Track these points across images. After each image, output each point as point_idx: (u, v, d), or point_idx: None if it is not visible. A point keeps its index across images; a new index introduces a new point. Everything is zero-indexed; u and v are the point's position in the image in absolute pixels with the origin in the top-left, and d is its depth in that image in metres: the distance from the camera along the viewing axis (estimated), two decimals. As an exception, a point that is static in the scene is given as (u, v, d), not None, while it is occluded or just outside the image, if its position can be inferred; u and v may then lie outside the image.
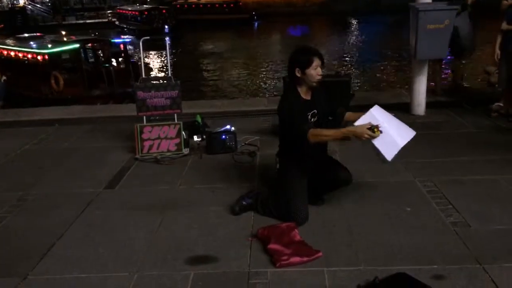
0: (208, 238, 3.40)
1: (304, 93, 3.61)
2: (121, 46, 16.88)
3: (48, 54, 15.37)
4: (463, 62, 7.14)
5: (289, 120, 3.53)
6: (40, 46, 16.26)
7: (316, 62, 3.50)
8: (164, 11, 35.85)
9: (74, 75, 15.19)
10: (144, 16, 35.41)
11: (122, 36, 24.39)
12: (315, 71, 3.50)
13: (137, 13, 36.15)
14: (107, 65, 15.60)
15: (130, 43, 17.39)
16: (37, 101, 13.33)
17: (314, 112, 3.61)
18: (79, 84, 14.79)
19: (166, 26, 34.33)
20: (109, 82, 14.72)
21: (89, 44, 16.52)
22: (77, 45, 15.85)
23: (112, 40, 17.74)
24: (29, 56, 15.98)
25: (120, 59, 16.19)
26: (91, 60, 16.39)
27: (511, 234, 3.22)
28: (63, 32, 21.05)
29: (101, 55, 16.38)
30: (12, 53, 16.68)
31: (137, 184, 4.49)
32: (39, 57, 15.54)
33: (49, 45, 16.11)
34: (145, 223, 3.68)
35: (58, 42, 16.64)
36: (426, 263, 2.94)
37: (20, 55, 16.41)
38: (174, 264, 3.10)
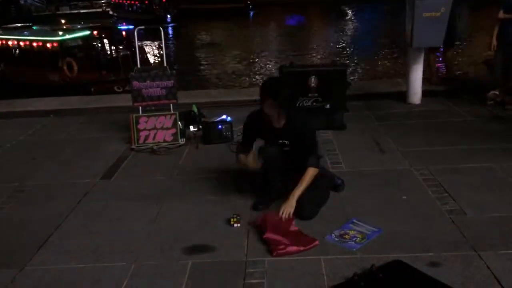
0: (205, 227, 3.41)
1: (275, 120, 3.53)
2: (123, 33, 17.42)
3: (59, 41, 15.72)
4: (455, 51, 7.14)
5: (242, 132, 3.85)
6: (51, 34, 16.66)
7: (266, 104, 3.43)
8: (164, 0, 35.68)
9: (87, 61, 15.68)
10: (145, 5, 35.22)
11: (124, 23, 24.65)
12: (268, 111, 3.45)
13: (137, 2, 35.92)
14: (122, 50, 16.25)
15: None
16: (49, 88, 13.70)
17: (285, 142, 3.55)
18: (93, 69, 15.38)
19: (168, 16, 34.24)
20: (119, 68, 15.01)
21: (97, 32, 17.28)
22: (87, 32, 16.38)
23: (119, 27, 18.36)
24: (39, 44, 16.26)
25: (120, 46, 16.79)
26: (100, 46, 17.18)
27: (507, 222, 3.24)
28: (63, 21, 21.39)
29: (107, 42, 17.17)
30: (20, 43, 17.01)
31: (134, 174, 4.49)
32: (48, 45, 15.83)
33: (60, 33, 16.48)
34: (142, 213, 3.68)
35: (68, 30, 17.18)
36: (422, 250, 2.96)
37: (28, 44, 16.63)
38: (172, 254, 3.11)
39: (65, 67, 15.04)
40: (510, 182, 3.84)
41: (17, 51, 16.86)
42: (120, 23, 23.52)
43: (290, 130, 3.53)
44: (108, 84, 14.02)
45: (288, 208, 3.37)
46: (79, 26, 18.10)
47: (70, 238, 3.40)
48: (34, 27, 19.26)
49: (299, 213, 3.39)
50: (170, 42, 28.21)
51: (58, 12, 41.18)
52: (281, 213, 3.34)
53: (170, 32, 31.95)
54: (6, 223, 3.71)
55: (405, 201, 3.63)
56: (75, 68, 15.00)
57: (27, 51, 16.48)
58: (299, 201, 3.41)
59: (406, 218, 3.38)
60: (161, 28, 5.70)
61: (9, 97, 8.46)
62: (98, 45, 17.11)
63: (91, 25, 18.51)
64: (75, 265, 3.06)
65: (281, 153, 3.55)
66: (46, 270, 3.03)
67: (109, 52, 16.88)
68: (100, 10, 42.07)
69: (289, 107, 3.54)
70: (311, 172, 3.47)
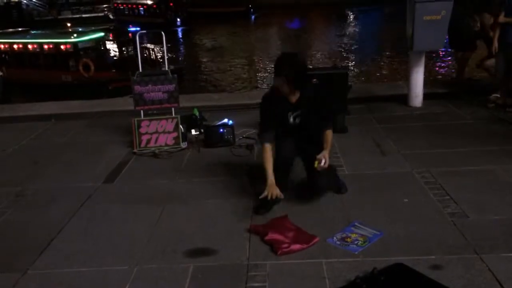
0: (207, 230, 3.41)
1: (289, 94, 3.54)
2: (130, 35, 18.62)
3: (75, 43, 16.64)
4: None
5: (260, 117, 3.72)
6: (66, 36, 17.65)
7: (278, 80, 3.44)
8: (171, 4, 36.00)
9: (103, 61, 16.66)
10: (153, 9, 35.52)
11: (131, 26, 25.32)
12: (280, 86, 3.46)
13: (145, 6, 36.21)
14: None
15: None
16: (67, 88, 14.98)
17: (298, 113, 3.56)
18: (109, 68, 16.43)
19: (178, 19, 34.62)
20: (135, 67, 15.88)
21: (110, 33, 18.58)
22: (102, 34, 17.45)
23: (128, 29, 19.58)
24: (53, 46, 17.20)
25: (128, 47, 17.99)
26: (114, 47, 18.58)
27: (509, 224, 3.24)
28: (68, 24, 22.29)
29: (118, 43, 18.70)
30: (31, 46, 17.80)
31: (136, 178, 4.50)
32: (62, 47, 16.85)
33: (75, 35, 17.40)
34: (144, 216, 3.69)
35: (82, 32, 18.46)
36: (424, 253, 2.96)
37: (41, 46, 17.46)
38: (174, 257, 3.11)
39: (81, 67, 15.92)
40: (512, 184, 3.84)
41: (28, 53, 17.54)
42: (128, 26, 24.43)
43: (305, 99, 3.54)
44: (125, 82, 14.59)
45: (327, 155, 3.41)
46: (80, 29, 18.95)
47: (72, 241, 3.41)
48: (33, 31, 19.94)
49: (315, 180, 3.51)
50: (181, 45, 28.70)
51: (59, 17, 41.33)
52: (321, 156, 3.38)
53: (180, 35, 32.49)
54: (9, 226, 3.72)
55: (406, 204, 3.63)
56: (92, 68, 15.86)
57: (40, 53, 17.15)
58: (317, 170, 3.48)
59: (408, 221, 3.38)
60: (162, 32, 5.71)
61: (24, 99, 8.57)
62: (112, 46, 18.28)
63: (105, 26, 19.90)
64: (77, 268, 3.07)
65: (295, 152, 3.58)
66: (48, 274, 3.04)
67: (123, 52, 18.16)
68: (102, 14, 42.21)
69: (302, 82, 3.51)
70: (330, 134, 3.55)
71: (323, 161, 3.41)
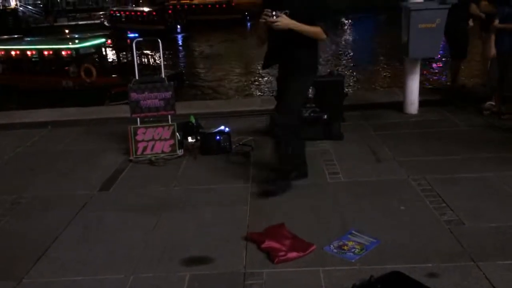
0: (204, 238, 3.40)
1: None
2: (128, 41, 19.06)
3: (76, 49, 16.93)
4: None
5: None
6: (67, 42, 17.90)
7: None
8: (170, 11, 36.29)
9: (103, 66, 16.95)
10: (152, 15, 35.69)
11: (129, 32, 25.58)
12: None
13: (144, 13, 36.38)
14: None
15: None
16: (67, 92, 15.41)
17: (286, 12, 3.58)
18: (109, 74, 16.69)
19: (178, 26, 34.89)
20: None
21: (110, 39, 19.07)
22: (103, 40, 17.72)
23: (128, 36, 20.05)
24: (54, 52, 17.47)
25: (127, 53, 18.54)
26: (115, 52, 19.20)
27: (505, 232, 3.25)
28: (67, 31, 22.61)
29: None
30: (31, 52, 18.12)
31: (132, 185, 4.48)
32: (63, 52, 17.18)
33: (76, 41, 17.67)
34: (140, 224, 3.68)
35: (82, 38, 18.88)
36: (420, 261, 2.95)
37: (42, 52, 17.74)
38: (170, 265, 3.10)
39: (82, 73, 16.11)
40: (508, 191, 3.85)
41: (27, 59, 17.75)
42: (126, 33, 24.73)
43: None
44: (125, 87, 14.90)
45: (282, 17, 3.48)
46: (76, 36, 19.23)
47: (68, 250, 3.39)
48: (27, 38, 20.20)
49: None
50: (181, 51, 28.97)
51: (55, 24, 41.39)
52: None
53: (180, 42, 32.83)
54: (4, 235, 3.70)
55: (403, 211, 3.64)
56: (94, 73, 16.04)
57: (41, 59, 17.35)
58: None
59: (404, 228, 3.38)
60: (159, 40, 5.72)
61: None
62: (110, 52, 18.65)
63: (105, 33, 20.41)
64: (73, 277, 3.04)
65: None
66: (44, 283, 3.01)
67: (122, 58, 18.54)
68: (98, 21, 42.27)
69: None
70: (317, 28, 3.59)
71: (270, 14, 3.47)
